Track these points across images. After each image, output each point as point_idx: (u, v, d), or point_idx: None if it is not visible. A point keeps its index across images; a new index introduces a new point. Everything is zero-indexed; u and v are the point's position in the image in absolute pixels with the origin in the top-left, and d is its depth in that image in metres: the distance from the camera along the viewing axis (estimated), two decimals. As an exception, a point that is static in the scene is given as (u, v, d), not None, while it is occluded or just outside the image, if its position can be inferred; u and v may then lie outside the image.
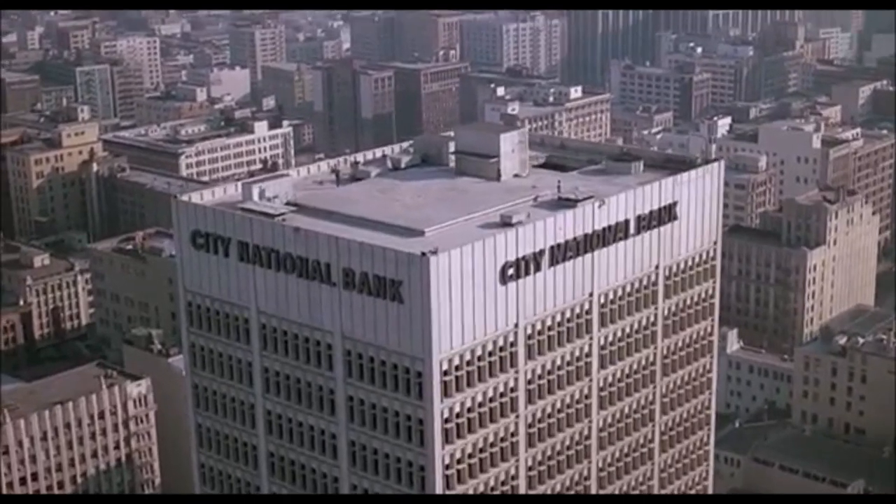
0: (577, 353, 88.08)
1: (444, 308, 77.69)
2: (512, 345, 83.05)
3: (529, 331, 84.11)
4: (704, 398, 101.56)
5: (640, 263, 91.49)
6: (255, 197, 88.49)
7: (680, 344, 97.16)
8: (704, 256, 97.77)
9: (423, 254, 76.63)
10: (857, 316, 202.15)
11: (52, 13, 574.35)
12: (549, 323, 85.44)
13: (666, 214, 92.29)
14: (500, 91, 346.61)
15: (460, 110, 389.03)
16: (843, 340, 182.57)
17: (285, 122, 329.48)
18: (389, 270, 78.47)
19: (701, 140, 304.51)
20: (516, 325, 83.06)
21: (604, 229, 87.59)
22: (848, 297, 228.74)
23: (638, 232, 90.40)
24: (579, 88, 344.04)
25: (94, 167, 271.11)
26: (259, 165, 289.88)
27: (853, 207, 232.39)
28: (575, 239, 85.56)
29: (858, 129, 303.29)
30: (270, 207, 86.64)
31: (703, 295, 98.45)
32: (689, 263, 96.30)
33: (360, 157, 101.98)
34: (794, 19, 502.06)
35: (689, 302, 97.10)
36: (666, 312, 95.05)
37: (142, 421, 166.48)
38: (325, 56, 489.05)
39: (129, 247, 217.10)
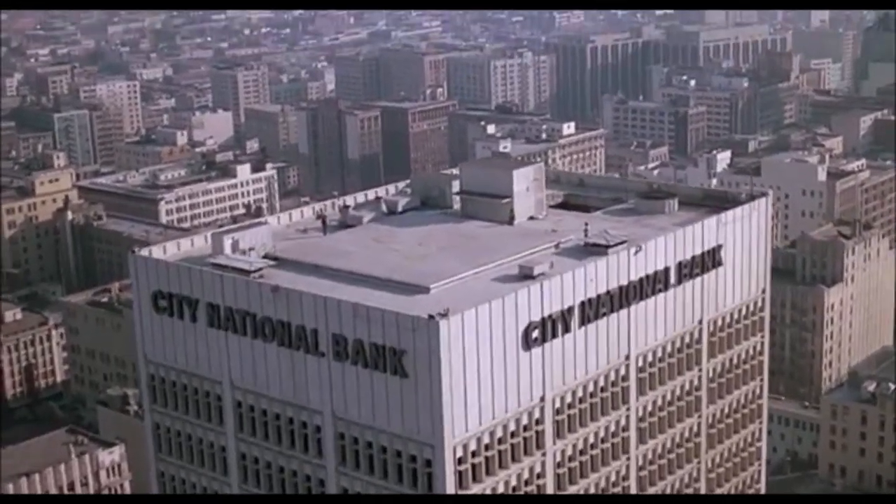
0: (612, 428, 74.55)
1: (457, 382, 64.21)
2: (538, 422, 69.52)
3: (558, 404, 70.68)
4: (754, 471, 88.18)
5: (681, 318, 78.19)
6: (227, 249, 74.87)
7: (727, 410, 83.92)
8: (752, 307, 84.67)
9: (431, 316, 63.17)
10: (884, 359, 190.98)
11: (31, 60, 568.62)
12: (580, 394, 71.98)
13: (710, 260, 79.23)
14: (491, 129, 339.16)
15: (450, 149, 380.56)
16: (871, 387, 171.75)
17: (269, 165, 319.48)
18: (389, 337, 64.92)
19: (700, 175, 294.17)
20: (542, 399, 69.56)
21: (641, 280, 74.40)
22: (867, 337, 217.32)
23: (679, 282, 77.22)
24: (572, 124, 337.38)
25: (69, 215, 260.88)
26: (242, 210, 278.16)
27: (870, 242, 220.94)
28: (608, 292, 72.23)
29: (863, 161, 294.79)
30: (245, 262, 72.99)
31: (750, 352, 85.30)
32: (736, 316, 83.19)
33: (350, 200, 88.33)
34: (787, 49, 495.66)
35: (735, 361, 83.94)
36: (711, 374, 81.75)
37: (116, 492, 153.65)
38: (310, 97, 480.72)
39: (105, 299, 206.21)
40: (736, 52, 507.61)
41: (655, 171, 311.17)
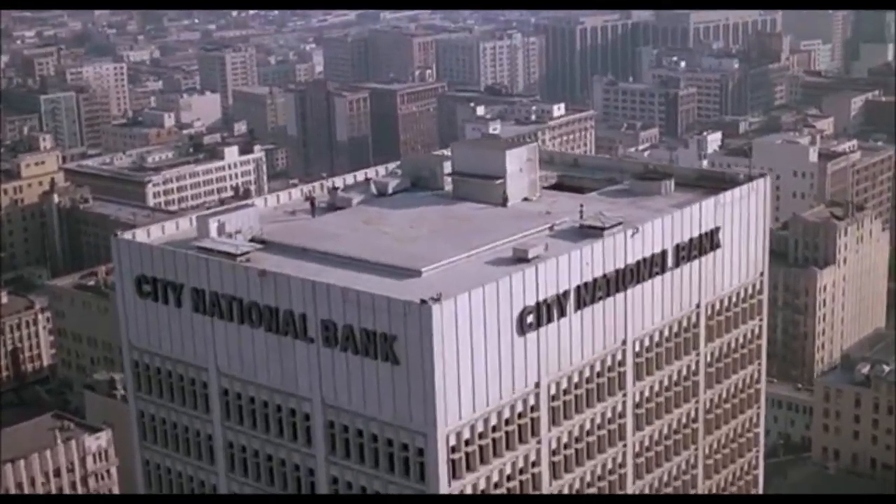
0: (608, 415, 72.61)
1: (449, 369, 62.15)
2: (533, 409, 67.54)
3: (553, 390, 68.66)
4: (751, 457, 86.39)
5: (679, 302, 76.24)
6: (213, 233, 72.61)
7: (724, 395, 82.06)
8: (750, 290, 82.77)
9: (423, 301, 61.03)
10: (878, 342, 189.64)
11: (18, 42, 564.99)
12: (576, 379, 69.99)
13: (707, 242, 77.25)
14: (480, 110, 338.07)
15: (439, 131, 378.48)
16: (865, 369, 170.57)
17: (257, 147, 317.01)
18: (380, 323, 62.81)
19: (691, 156, 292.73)
20: (538, 385, 67.54)
21: (638, 262, 72.37)
22: (859, 319, 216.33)
23: (677, 264, 75.25)
24: (562, 106, 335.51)
25: (55, 198, 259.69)
26: (230, 193, 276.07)
27: (862, 224, 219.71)
28: (605, 275, 70.19)
29: (855, 142, 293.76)
30: (231, 245, 70.77)
31: (748, 336, 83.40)
32: (734, 299, 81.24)
33: (338, 181, 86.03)
34: (777, 30, 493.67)
35: (733, 345, 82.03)
36: (709, 358, 79.87)
37: (102, 478, 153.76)
38: (298, 79, 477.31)
39: (91, 283, 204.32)
40: (726, 33, 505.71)
41: (646, 153, 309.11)
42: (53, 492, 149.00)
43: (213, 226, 72.79)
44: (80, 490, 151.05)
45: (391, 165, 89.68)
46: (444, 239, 72.71)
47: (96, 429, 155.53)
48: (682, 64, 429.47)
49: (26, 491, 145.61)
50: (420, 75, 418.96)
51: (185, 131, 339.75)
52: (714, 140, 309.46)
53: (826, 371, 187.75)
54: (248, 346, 68.78)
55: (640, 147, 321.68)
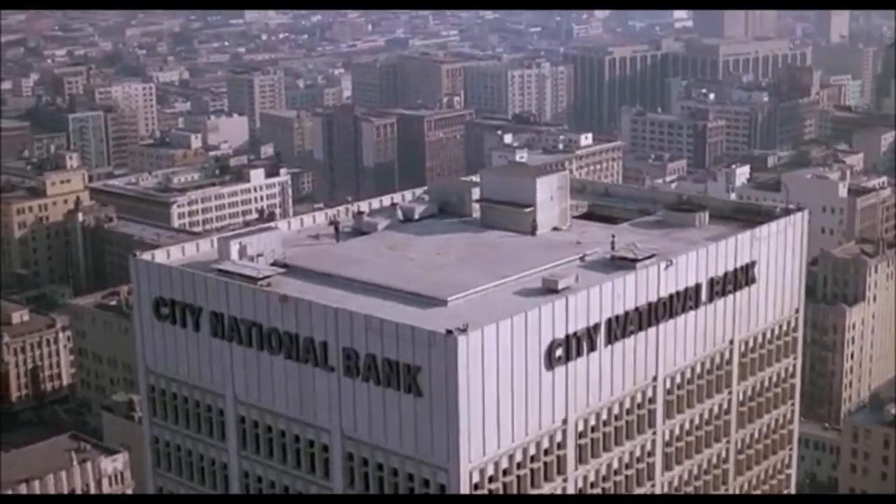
0: (637, 453, 70.14)
1: (474, 402, 59.90)
2: (559, 446, 65.15)
3: (581, 427, 66.29)
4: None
5: (712, 338, 73.80)
6: (234, 255, 70.67)
7: (756, 435, 79.46)
8: (785, 327, 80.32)
9: (449, 331, 58.84)
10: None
11: (48, 60, 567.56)
12: (604, 416, 67.60)
13: (743, 277, 74.85)
14: (508, 138, 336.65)
15: (466, 158, 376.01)
16: (895, 409, 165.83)
17: (283, 171, 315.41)
18: (404, 353, 60.66)
19: (719, 189, 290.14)
20: (565, 421, 65.20)
21: (671, 296, 69.95)
22: (887, 358, 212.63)
23: (710, 299, 72.84)
24: (589, 135, 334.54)
25: (80, 217, 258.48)
26: (255, 216, 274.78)
27: (893, 261, 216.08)
28: (636, 309, 67.88)
29: (885, 178, 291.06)
30: (253, 269, 68.80)
31: (782, 375, 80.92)
32: (768, 336, 78.78)
33: (364, 206, 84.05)
34: (807, 64, 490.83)
35: (766, 384, 79.54)
36: (741, 397, 77.37)
37: None
38: (326, 103, 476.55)
39: (113, 302, 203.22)
40: (755, 66, 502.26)
41: (673, 185, 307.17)
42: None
43: (234, 248, 70.90)
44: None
45: (418, 191, 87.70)
46: (471, 267, 70.61)
47: (113, 451, 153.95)
48: (712, 96, 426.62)
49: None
50: (448, 102, 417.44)
51: (211, 153, 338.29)
52: (742, 173, 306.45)
53: (854, 410, 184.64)
54: (266, 373, 66.76)
55: (668, 178, 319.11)
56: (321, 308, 63.87)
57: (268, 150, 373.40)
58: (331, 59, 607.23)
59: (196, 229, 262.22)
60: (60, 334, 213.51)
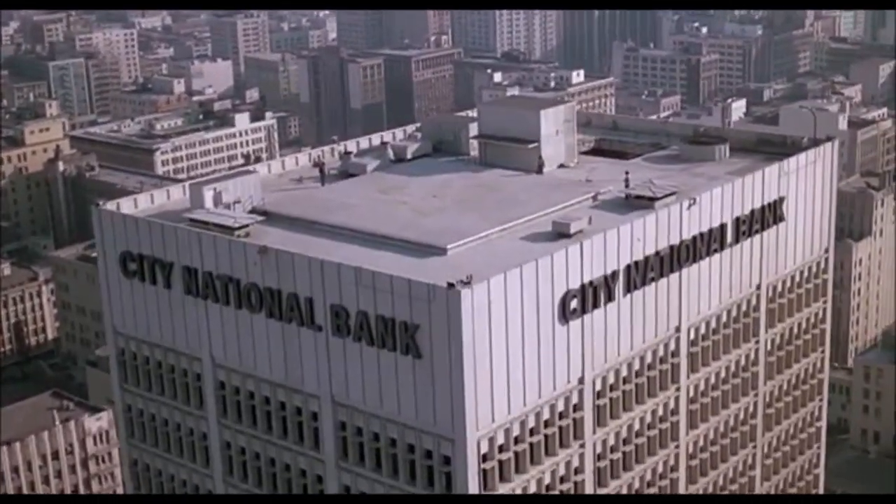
0: (660, 412, 63.36)
1: (481, 363, 52.92)
2: (576, 408, 58.32)
3: (599, 386, 59.40)
4: (812, 454, 77.20)
5: (738, 283, 66.89)
6: (208, 203, 63.34)
7: (785, 387, 72.77)
8: (814, 269, 73.49)
9: (451, 284, 51.71)
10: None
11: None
12: (624, 373, 60.70)
13: (770, 215, 67.81)
14: (498, 77, 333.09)
15: (455, 98, 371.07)
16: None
17: (269, 115, 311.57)
18: (400, 309, 53.60)
19: (715, 124, 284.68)
20: (581, 381, 58.30)
21: (694, 238, 62.87)
22: (893, 293, 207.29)
23: (737, 240, 65.84)
24: (581, 72, 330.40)
25: (61, 166, 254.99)
26: (241, 161, 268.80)
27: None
28: (658, 253, 60.80)
29: (885, 110, 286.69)
30: (228, 218, 61.48)
31: (812, 320, 74.15)
32: (797, 279, 71.92)
33: (351, 145, 76.62)
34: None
35: (796, 331, 72.73)
36: (769, 346, 70.56)
37: (103, 460, 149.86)
38: (311, 46, 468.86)
39: (96, 254, 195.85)
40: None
41: (668, 121, 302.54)
42: (51, 474, 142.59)
43: (207, 195, 63.49)
44: (79, 472, 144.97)
45: (410, 128, 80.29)
46: (471, 211, 63.37)
47: (97, 409, 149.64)
48: (704, 30, 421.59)
49: (23, 474, 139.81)
50: (436, 41, 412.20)
51: (195, 98, 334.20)
52: (739, 107, 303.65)
53: (865, 350, 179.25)
54: (246, 333, 59.60)
55: (662, 114, 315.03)
56: (305, 260, 56.71)
57: (253, 94, 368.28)
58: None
59: (181, 176, 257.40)
60: (44, 287, 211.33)
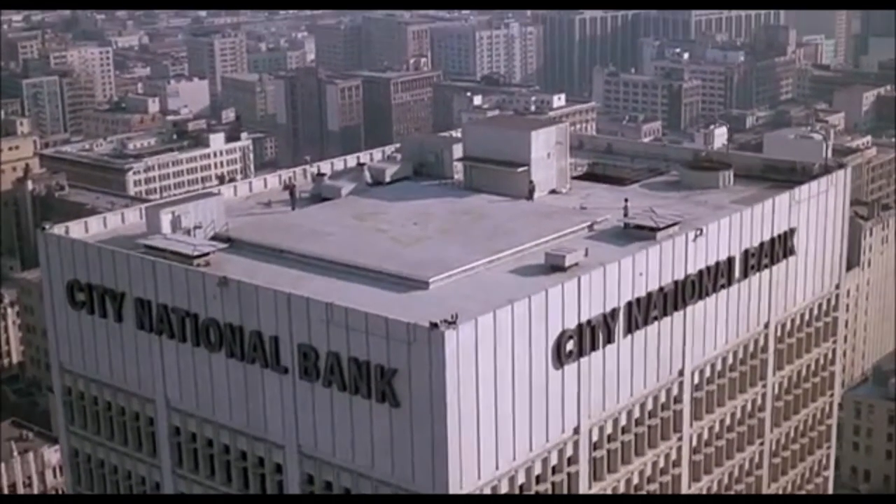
0: (661, 464, 57.67)
1: (466, 413, 47.10)
2: (570, 461, 52.57)
3: (596, 437, 53.72)
4: None
5: (745, 321, 61.44)
6: (166, 227, 57.44)
7: (793, 434, 67.18)
8: (825, 306, 67.95)
9: (434, 324, 45.84)
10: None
11: (4, 25, 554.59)
12: (623, 422, 55.03)
13: (781, 248, 62.33)
14: (478, 100, 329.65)
15: (434, 121, 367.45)
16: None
17: (244, 135, 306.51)
18: (376, 351, 47.75)
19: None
20: (577, 431, 52.59)
21: (700, 273, 57.32)
22: (882, 326, 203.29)
23: (745, 275, 60.34)
24: (563, 96, 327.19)
25: (30, 185, 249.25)
26: (215, 182, 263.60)
27: (888, 224, 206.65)
28: (661, 289, 55.19)
29: (869, 138, 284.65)
30: (188, 245, 55.62)
31: (821, 362, 68.77)
32: (807, 317, 66.48)
33: (325, 166, 70.77)
34: (782, 22, 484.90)
35: (804, 373, 67.21)
36: (777, 390, 65.12)
37: (63, 493, 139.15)
38: (289, 66, 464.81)
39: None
40: (729, 25, 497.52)
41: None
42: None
43: (165, 219, 57.67)
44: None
45: (389, 149, 74.59)
46: (456, 241, 57.70)
47: (58, 439, 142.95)
48: (686, 56, 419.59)
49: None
50: (415, 64, 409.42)
51: (169, 118, 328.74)
52: (721, 134, 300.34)
53: (855, 384, 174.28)
54: (204, 374, 53.68)
55: (644, 140, 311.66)
56: (271, 294, 50.89)
57: (229, 114, 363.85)
58: (294, 21, 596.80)
59: (153, 197, 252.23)
60: (9, 310, 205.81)
